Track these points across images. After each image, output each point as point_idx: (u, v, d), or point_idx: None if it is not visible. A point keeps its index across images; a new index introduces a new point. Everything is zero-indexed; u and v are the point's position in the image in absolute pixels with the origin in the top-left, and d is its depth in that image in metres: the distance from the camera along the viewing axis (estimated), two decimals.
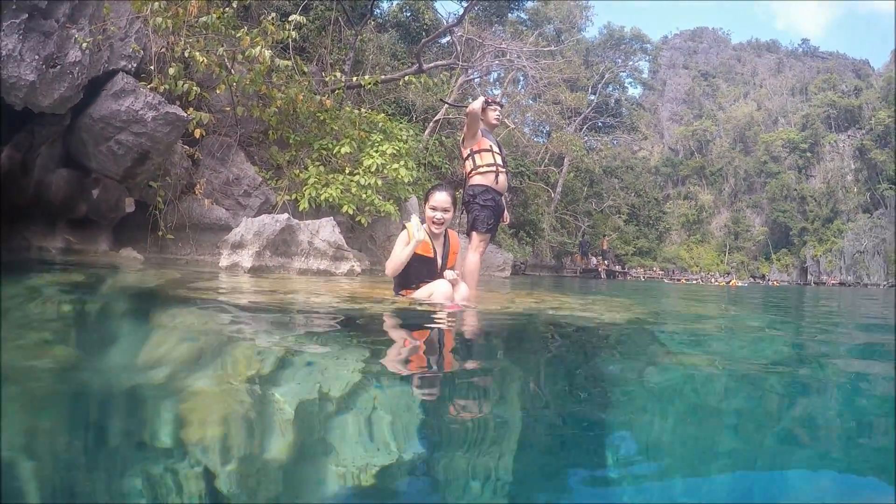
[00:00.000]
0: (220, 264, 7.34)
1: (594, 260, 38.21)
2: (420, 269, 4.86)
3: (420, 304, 4.46)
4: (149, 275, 5.85)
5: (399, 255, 4.71)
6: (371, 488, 1.29)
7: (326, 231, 8.45)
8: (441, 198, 4.85)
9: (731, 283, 41.63)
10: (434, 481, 1.38)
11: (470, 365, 2.55)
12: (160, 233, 9.26)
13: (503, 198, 6.29)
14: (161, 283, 5.13)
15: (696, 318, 5.04)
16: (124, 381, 1.83)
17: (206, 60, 9.16)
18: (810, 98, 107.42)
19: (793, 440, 1.67)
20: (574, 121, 42.52)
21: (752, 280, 76.19)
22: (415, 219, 4.77)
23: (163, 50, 9.17)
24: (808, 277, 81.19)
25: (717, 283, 41.57)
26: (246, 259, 7.18)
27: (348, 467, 1.34)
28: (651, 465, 1.49)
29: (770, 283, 65.77)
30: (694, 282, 45.99)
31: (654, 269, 64.93)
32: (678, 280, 46.64)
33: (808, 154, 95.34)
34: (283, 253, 7.82)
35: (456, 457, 1.48)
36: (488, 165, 6.03)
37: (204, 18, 9.31)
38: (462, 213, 6.31)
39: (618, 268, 44.87)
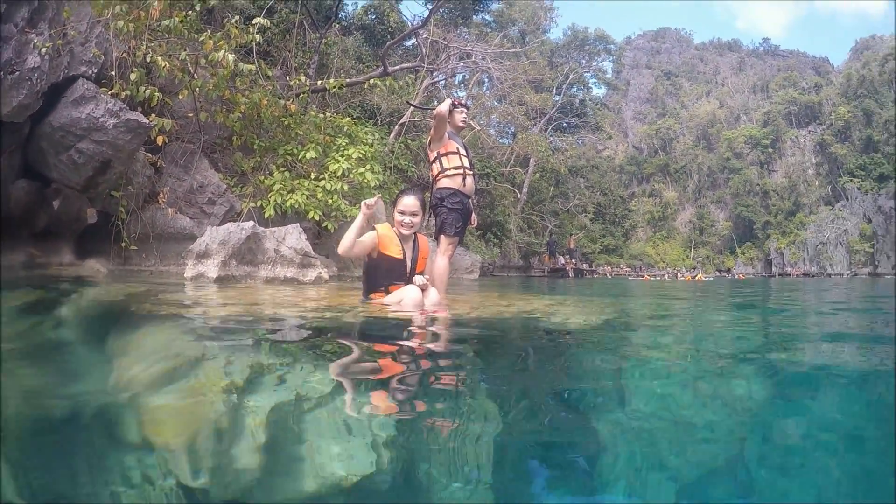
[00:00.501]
0: (185, 275, 7.22)
1: (561, 259, 38.47)
2: (389, 271, 4.83)
3: (390, 312, 4.42)
4: (113, 289, 5.75)
5: (349, 230, 4.67)
6: (346, 496, 1.31)
7: (293, 238, 8.36)
8: (409, 202, 4.82)
9: (696, 278, 42.40)
10: (408, 489, 1.39)
11: (441, 372, 2.55)
12: (123, 244, 9.01)
13: (471, 200, 6.26)
14: (126, 297, 5.05)
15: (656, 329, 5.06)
16: (92, 403, 1.82)
17: (168, 65, 8.98)
18: (771, 95, 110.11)
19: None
20: (539, 121, 43.01)
21: (717, 273, 77.74)
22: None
23: (124, 55, 8.98)
24: (773, 269, 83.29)
25: (683, 278, 42.30)
26: (212, 269, 7.08)
27: (322, 479, 1.36)
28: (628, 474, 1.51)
29: (736, 276, 67.06)
30: (658, 278, 46.65)
31: (621, 266, 65.82)
32: (642, 277, 47.28)
33: (770, 150, 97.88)
34: (250, 262, 7.72)
35: (430, 462, 1.50)
36: (456, 168, 6.01)
37: (166, 22, 9.16)
38: (430, 216, 6.28)
39: (585, 266, 45.27)
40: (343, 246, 4.64)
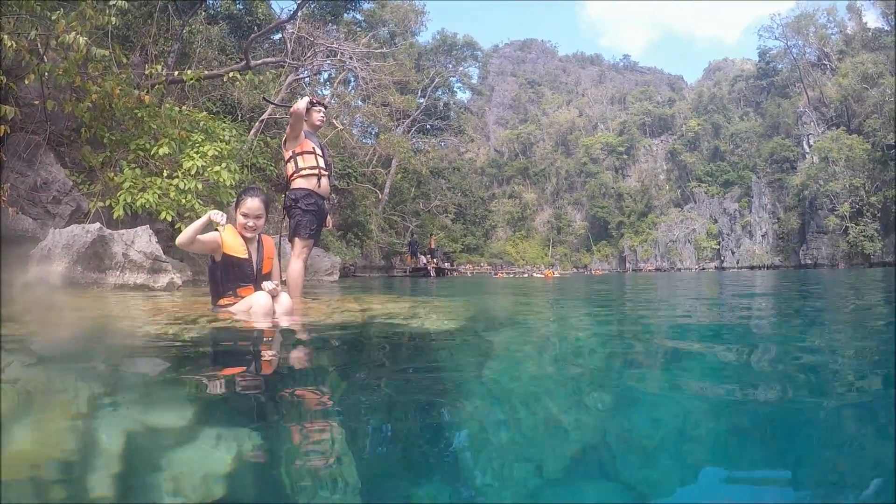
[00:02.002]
0: (25, 282, 6.80)
1: (423, 259, 38.84)
2: (234, 272, 4.71)
3: (239, 322, 4.22)
4: None
5: (192, 224, 4.52)
6: None
7: (142, 241, 8.00)
8: (253, 205, 4.73)
9: (553, 275, 44.35)
10: None
11: (293, 386, 2.52)
12: None
13: (326, 202, 6.16)
14: None
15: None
16: None
17: (14, 45, 8.17)
18: (628, 107, 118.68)
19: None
20: (403, 123, 43.38)
21: (575, 270, 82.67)
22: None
23: None
24: (627, 265, 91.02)
25: (541, 275, 43.91)
26: (55, 276, 6.80)
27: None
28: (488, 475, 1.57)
29: (592, 272, 70.98)
30: (514, 275, 48.36)
31: (482, 264, 67.71)
32: (496, 275, 48.71)
33: (625, 156, 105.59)
34: (96, 267, 7.34)
35: (292, 479, 1.49)
36: (311, 168, 5.89)
37: None
38: (284, 217, 6.10)
39: (447, 265, 45.82)
40: (182, 238, 4.48)
